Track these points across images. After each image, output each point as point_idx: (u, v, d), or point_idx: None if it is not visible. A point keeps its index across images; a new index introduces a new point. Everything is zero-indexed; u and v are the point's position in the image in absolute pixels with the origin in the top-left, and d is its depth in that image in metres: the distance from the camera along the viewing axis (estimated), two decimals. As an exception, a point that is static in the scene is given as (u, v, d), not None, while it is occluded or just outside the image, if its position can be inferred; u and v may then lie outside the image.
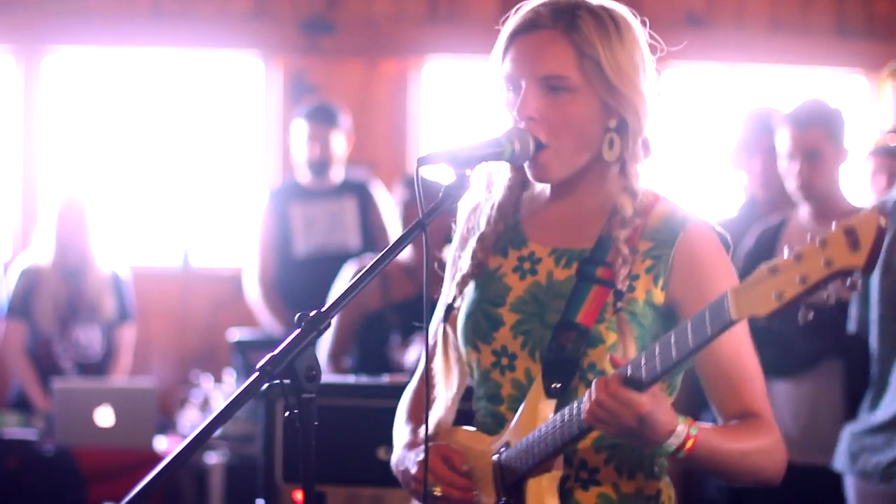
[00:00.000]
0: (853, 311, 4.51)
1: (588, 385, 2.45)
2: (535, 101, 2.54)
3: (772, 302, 2.09)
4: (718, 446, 2.42)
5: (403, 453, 2.70)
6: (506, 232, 2.69)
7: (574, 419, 2.41)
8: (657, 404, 2.33)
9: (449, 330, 2.70)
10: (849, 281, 2.04)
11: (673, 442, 2.35)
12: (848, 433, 4.52)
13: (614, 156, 2.59)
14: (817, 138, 4.98)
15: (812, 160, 4.96)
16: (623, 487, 2.57)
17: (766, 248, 5.00)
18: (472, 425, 2.70)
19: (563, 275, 2.60)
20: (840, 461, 4.53)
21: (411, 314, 5.69)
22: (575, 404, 2.41)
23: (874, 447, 4.38)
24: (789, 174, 5.02)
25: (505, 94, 2.60)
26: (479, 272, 2.68)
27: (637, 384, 2.30)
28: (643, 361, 2.30)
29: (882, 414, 4.38)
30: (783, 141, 5.04)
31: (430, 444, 2.60)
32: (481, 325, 2.64)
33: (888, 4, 8.77)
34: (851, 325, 4.53)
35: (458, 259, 2.74)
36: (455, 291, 2.69)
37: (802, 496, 4.70)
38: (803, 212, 5.03)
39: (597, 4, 2.59)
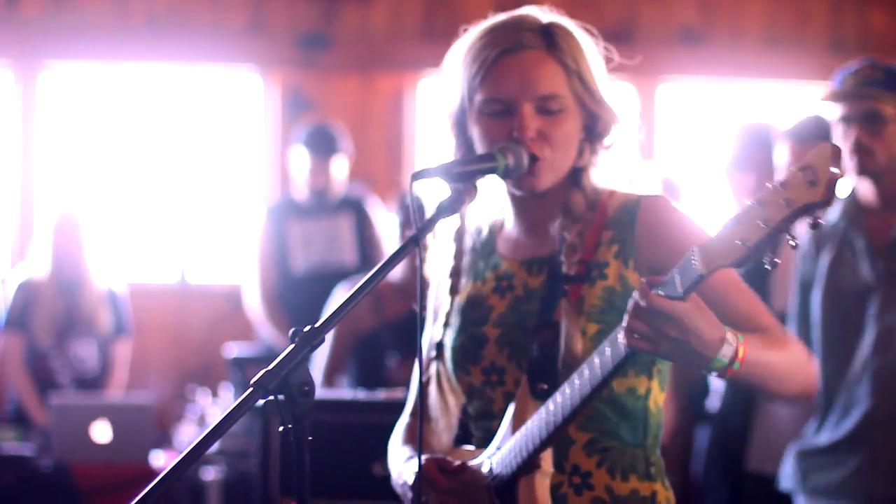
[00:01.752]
0: (792, 332, 4.52)
1: None
2: (533, 120, 2.56)
3: (737, 249, 2.10)
4: (764, 354, 2.35)
5: (402, 467, 2.73)
6: (481, 261, 2.74)
7: (587, 376, 2.37)
8: (698, 311, 2.24)
9: (441, 366, 2.73)
10: (810, 220, 2.05)
11: (727, 352, 2.26)
12: (795, 453, 4.54)
13: (584, 162, 2.65)
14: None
15: None
16: (617, 490, 2.58)
17: (759, 275, 5.00)
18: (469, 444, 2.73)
19: (536, 281, 2.64)
20: (788, 480, 4.55)
21: (407, 332, 5.70)
22: (585, 367, 2.38)
23: (825, 466, 4.41)
24: None
25: (482, 111, 2.60)
26: (462, 302, 2.71)
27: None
28: (674, 278, 2.24)
29: (829, 435, 4.41)
30: (782, 155, 5.05)
31: (427, 455, 2.62)
32: (468, 348, 2.67)
33: (884, 19, 8.79)
34: None
35: (437, 298, 2.78)
36: (442, 330, 2.73)
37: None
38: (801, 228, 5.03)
39: (561, 21, 2.63)
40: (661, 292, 2.24)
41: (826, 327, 4.39)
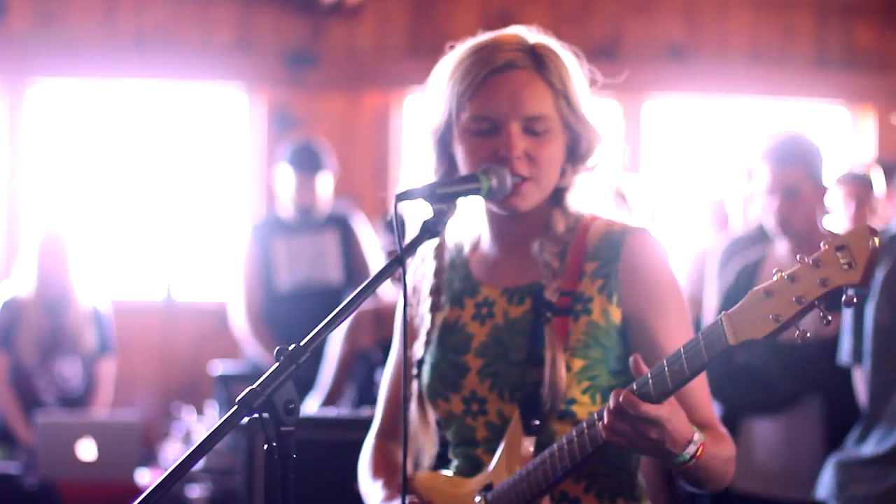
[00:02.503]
0: (845, 343, 4.49)
1: (561, 417, 2.51)
2: (520, 140, 2.56)
3: (769, 324, 2.11)
4: (714, 452, 2.44)
5: None
6: (457, 282, 2.72)
7: (575, 444, 2.40)
8: (676, 414, 2.33)
9: (421, 384, 2.71)
10: (844, 297, 2.06)
11: (690, 450, 2.36)
12: (835, 463, 4.52)
13: (566, 183, 2.65)
14: (797, 176, 4.95)
15: (791, 197, 4.94)
16: None
17: (744, 284, 4.99)
18: (447, 469, 2.72)
19: (517, 311, 2.62)
20: (825, 490, 4.53)
21: None
22: (573, 432, 2.41)
23: (865, 477, 4.38)
24: (768, 211, 5.01)
25: (468, 129, 2.59)
26: (440, 327, 2.70)
27: (647, 398, 2.30)
28: (650, 379, 2.30)
29: (874, 447, 4.38)
30: (762, 177, 5.02)
31: (407, 498, 2.60)
32: (448, 375, 2.66)
33: (868, 36, 8.83)
34: (844, 357, 4.52)
35: (414, 316, 2.75)
36: (423, 348, 2.71)
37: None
38: (781, 248, 5.00)
39: (548, 42, 2.63)
40: (683, 355, 2.26)
41: (877, 339, 4.35)
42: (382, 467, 2.78)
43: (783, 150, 4.99)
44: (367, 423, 3.85)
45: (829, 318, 2.09)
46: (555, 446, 2.44)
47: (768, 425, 5.10)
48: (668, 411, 2.30)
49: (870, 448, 4.40)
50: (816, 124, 8.60)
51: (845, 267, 2.02)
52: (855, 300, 2.06)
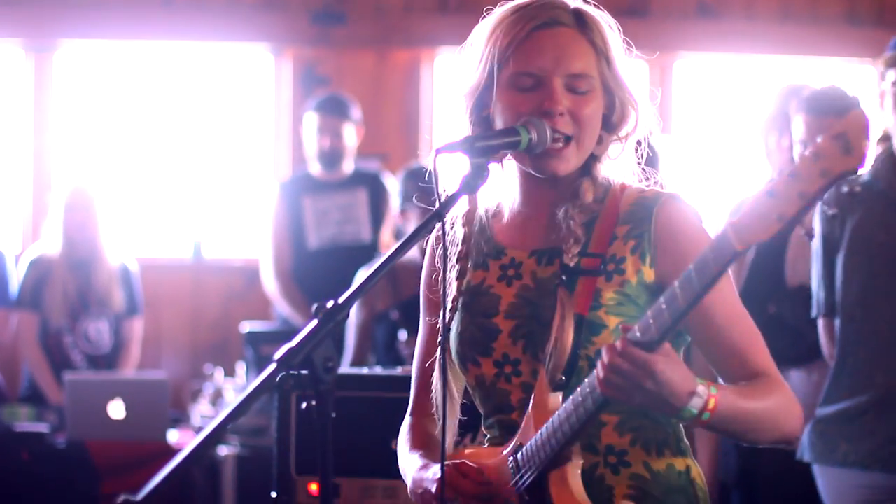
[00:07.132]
0: (817, 296, 4.45)
1: None
2: (563, 96, 2.55)
3: (774, 224, 2.09)
4: (739, 405, 2.42)
5: (419, 475, 2.68)
6: (481, 246, 2.71)
7: (588, 397, 2.39)
8: (671, 364, 2.31)
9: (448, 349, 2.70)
10: (804, 231, 2.07)
11: (696, 403, 2.34)
12: (815, 422, 4.46)
13: (600, 151, 2.64)
14: (831, 128, 4.92)
15: None
16: (654, 465, 2.57)
17: (777, 245, 4.97)
18: (481, 444, 2.72)
19: (547, 272, 2.61)
20: (809, 452, 4.48)
21: (417, 311, 5.72)
22: (585, 382, 2.40)
23: (852, 435, 4.34)
24: None
25: (510, 85, 2.58)
26: (465, 290, 2.69)
27: (647, 345, 2.29)
28: (651, 320, 2.29)
29: (857, 398, 4.34)
30: (797, 127, 4.99)
31: (447, 462, 2.58)
32: (478, 339, 2.64)
33: (899, -8, 8.75)
34: (814, 311, 4.48)
35: (440, 281, 2.70)
36: (450, 314, 2.69)
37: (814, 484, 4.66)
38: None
39: (587, 6, 2.63)
40: (693, 271, 2.22)
41: (847, 289, 4.31)
42: (419, 443, 2.77)
43: (819, 101, 4.97)
44: (402, 381, 3.85)
45: (834, 211, 2.09)
46: (578, 394, 2.42)
47: (800, 377, 5.08)
48: (659, 358, 2.29)
49: (852, 401, 4.36)
50: (847, 83, 8.52)
51: (843, 153, 2.02)
52: (812, 234, 2.07)
